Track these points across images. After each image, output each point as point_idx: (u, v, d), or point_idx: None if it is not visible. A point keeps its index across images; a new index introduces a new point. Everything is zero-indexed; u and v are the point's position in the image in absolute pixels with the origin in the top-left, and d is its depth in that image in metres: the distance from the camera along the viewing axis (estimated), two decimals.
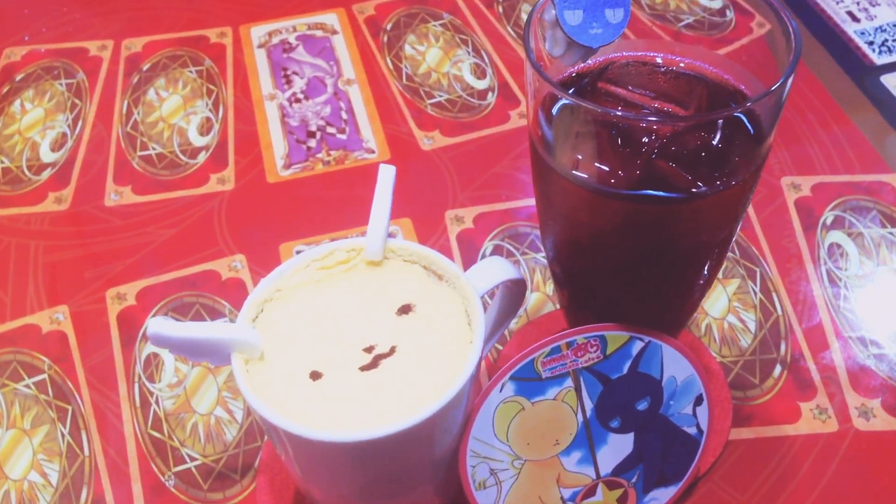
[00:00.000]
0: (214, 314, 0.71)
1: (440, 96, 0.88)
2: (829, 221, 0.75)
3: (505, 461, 0.52)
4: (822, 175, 0.79)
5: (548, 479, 0.54)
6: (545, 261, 0.73)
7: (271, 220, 0.78)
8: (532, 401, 0.52)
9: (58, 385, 0.67)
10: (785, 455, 0.61)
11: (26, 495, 0.61)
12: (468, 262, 0.73)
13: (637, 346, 0.52)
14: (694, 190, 0.44)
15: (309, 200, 0.79)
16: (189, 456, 0.63)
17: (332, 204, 0.78)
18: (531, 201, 0.77)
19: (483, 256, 0.73)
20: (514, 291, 0.57)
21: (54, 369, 0.68)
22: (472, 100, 0.88)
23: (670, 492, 0.56)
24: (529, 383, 0.51)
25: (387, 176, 0.54)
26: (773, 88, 0.40)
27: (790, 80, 0.42)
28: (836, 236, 0.74)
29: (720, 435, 0.61)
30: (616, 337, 0.51)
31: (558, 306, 0.70)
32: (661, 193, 0.44)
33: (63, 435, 0.64)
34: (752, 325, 0.68)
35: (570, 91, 0.49)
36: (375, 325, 0.51)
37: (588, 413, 0.53)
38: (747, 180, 0.45)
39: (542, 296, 0.71)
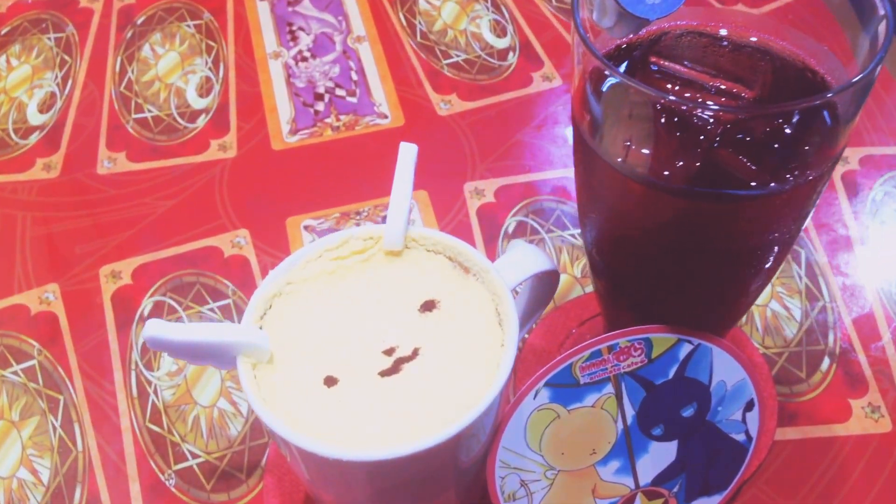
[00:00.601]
0: (216, 295, 0.66)
1: (457, 56, 0.82)
2: (878, 198, 0.70)
3: (537, 472, 0.48)
4: (871, 147, 0.73)
5: (583, 489, 0.50)
6: (573, 239, 0.68)
7: (277, 191, 0.73)
8: (568, 408, 0.47)
9: (48, 372, 0.63)
10: (835, 458, 0.56)
11: (16, 495, 0.57)
12: (489, 239, 0.68)
13: (685, 350, 0.47)
14: (761, 186, 0.39)
15: (317, 170, 0.74)
16: (190, 452, 0.59)
17: (342, 174, 0.73)
18: (557, 173, 0.72)
19: (505, 234, 0.69)
20: (547, 282, 0.52)
21: (44, 354, 0.64)
22: (491, 60, 0.82)
23: (714, 500, 0.52)
24: (566, 390, 0.47)
25: (408, 156, 0.49)
26: (868, 71, 0.35)
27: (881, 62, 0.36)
28: (887, 214, 0.69)
29: (766, 436, 0.57)
30: (662, 340, 0.47)
31: (587, 290, 0.65)
32: (723, 190, 0.39)
33: (55, 428, 0.60)
34: (797, 313, 0.63)
35: (621, 68, 0.43)
36: (396, 323, 0.47)
37: (629, 420, 0.48)
38: (824, 174, 0.39)
39: (569, 278, 0.66)
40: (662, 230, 0.43)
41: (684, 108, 0.39)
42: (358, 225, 0.69)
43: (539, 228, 0.69)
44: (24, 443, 0.59)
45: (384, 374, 0.45)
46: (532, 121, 0.76)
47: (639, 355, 0.47)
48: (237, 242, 0.69)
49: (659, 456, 0.50)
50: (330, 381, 0.45)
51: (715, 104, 0.40)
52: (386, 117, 0.77)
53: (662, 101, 0.39)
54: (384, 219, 0.66)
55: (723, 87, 0.42)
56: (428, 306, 0.47)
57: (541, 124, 0.76)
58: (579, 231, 0.69)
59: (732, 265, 0.44)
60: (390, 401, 0.44)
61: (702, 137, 0.39)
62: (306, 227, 0.70)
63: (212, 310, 0.65)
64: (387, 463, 0.42)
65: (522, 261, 0.50)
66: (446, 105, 0.78)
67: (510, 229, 0.69)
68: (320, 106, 0.79)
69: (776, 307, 0.64)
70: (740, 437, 0.51)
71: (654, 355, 0.47)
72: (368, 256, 0.49)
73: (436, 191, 0.71)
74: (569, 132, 0.76)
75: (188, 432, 0.59)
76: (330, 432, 0.43)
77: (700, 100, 0.41)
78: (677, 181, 0.40)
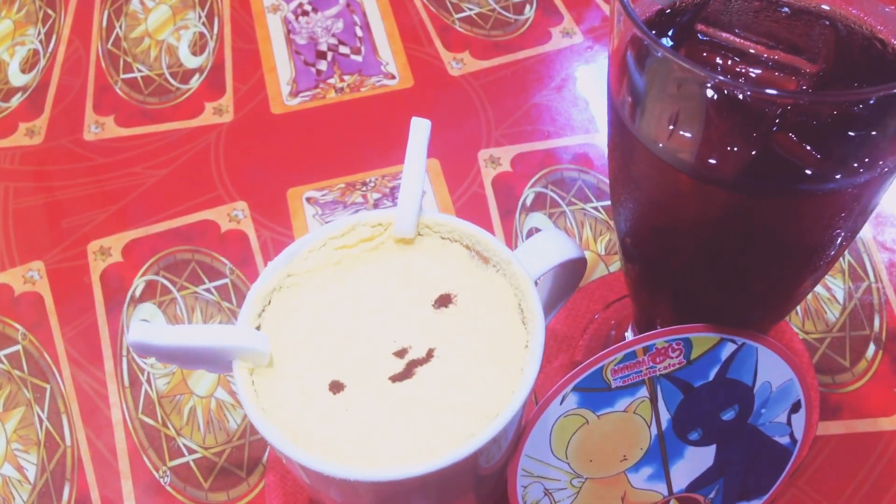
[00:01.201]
0: (213, 274, 0.62)
1: (469, 9, 0.77)
2: None
3: (562, 480, 0.45)
4: None
5: (611, 497, 0.46)
6: (596, 213, 0.64)
7: (277, 159, 0.68)
8: (598, 413, 0.43)
9: (34, 359, 0.59)
10: (882, 454, 0.53)
11: (0, 493, 0.53)
12: (506, 213, 0.64)
13: (728, 350, 0.43)
14: (827, 178, 0.34)
15: (320, 136, 0.69)
16: (187, 447, 0.55)
17: (346, 140, 0.69)
18: (579, 139, 0.68)
19: (523, 206, 0.64)
20: (572, 271, 0.48)
21: (29, 339, 0.60)
22: (506, 14, 0.77)
23: None
24: (596, 394, 0.43)
25: (420, 133, 0.45)
26: None
27: None
28: None
29: (807, 430, 0.52)
30: (704, 339, 0.43)
31: (611, 269, 0.61)
32: (782, 183, 0.34)
33: (41, 420, 0.56)
34: (839, 295, 0.59)
35: (665, 39, 0.38)
36: (408, 321, 0.42)
37: (664, 425, 0.44)
38: None
39: (592, 256, 0.62)
40: (710, 224, 0.38)
41: (739, 89, 0.34)
42: (364, 197, 0.65)
43: (559, 200, 0.64)
44: (9, 436, 0.56)
45: (395, 378, 0.41)
46: (551, 81, 0.71)
47: (677, 356, 0.43)
48: (235, 216, 0.65)
49: (695, 461, 0.46)
50: (336, 387, 0.41)
51: (778, 89, 0.35)
52: (393, 78, 0.72)
53: (714, 81, 0.34)
54: (393, 191, 0.62)
55: (781, 60, 0.37)
56: (443, 301, 0.43)
57: (560, 85, 0.71)
58: (603, 204, 0.64)
59: (787, 262, 0.39)
60: (402, 410, 0.40)
61: (758, 121, 0.34)
62: (309, 200, 0.65)
63: (208, 290, 0.61)
64: (399, 483, 0.38)
65: (546, 249, 0.45)
66: (458, 64, 0.73)
67: (528, 202, 0.64)
68: (322, 65, 0.73)
69: (817, 288, 0.59)
70: (784, 440, 0.47)
71: (693, 356, 0.43)
72: (377, 245, 0.45)
73: (448, 160, 0.66)
74: (590, 93, 0.70)
75: (184, 425, 0.56)
76: (336, 447, 0.39)
77: (756, 77, 0.36)
78: (729, 171, 0.35)
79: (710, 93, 0.35)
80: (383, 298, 0.43)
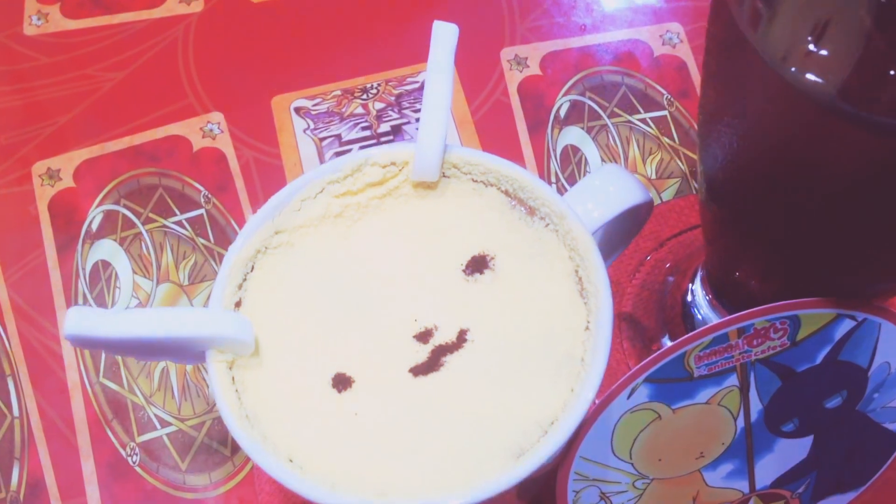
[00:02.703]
0: (185, 203, 0.52)
1: None
2: None
3: (623, 482, 0.36)
4: None
5: (681, 498, 0.38)
6: (644, 126, 0.54)
7: (259, 59, 0.57)
8: (674, 407, 0.35)
9: None
10: None
11: None
12: (535, 126, 0.54)
13: (844, 328, 0.34)
14: None
15: (312, 30, 0.58)
16: (159, 419, 0.47)
17: (344, 35, 0.58)
18: (622, 33, 0.57)
19: (556, 118, 0.54)
20: (634, 218, 0.38)
21: None
22: None
23: (846, 499, 0.41)
24: (673, 385, 0.34)
25: (445, 42, 0.34)
26: None
27: None
28: None
29: None
30: (816, 317, 0.34)
31: (663, 196, 0.51)
32: None
33: None
34: None
35: None
36: (432, 293, 0.33)
37: (753, 417, 0.36)
38: None
39: (641, 181, 0.52)
40: (843, 168, 0.29)
41: None
42: (365, 108, 0.54)
43: (599, 111, 0.54)
44: None
45: (418, 371, 0.32)
46: None
47: (780, 338, 0.34)
48: (209, 130, 0.54)
49: (786, 454, 0.38)
50: (341, 383, 0.32)
51: None
52: None
53: None
54: (400, 100, 0.51)
55: None
56: (477, 265, 0.34)
57: None
58: (653, 115, 0.54)
59: None
60: (427, 414, 0.31)
61: None
62: (298, 110, 0.55)
63: (180, 223, 0.52)
64: None
65: (608, 193, 0.36)
66: None
67: (562, 112, 0.54)
68: None
69: None
70: (894, 427, 0.38)
71: (800, 337, 0.34)
72: (390, 190, 0.35)
73: (465, 61, 0.55)
74: None
75: (155, 391, 0.47)
76: (343, 468, 0.30)
77: None
78: (883, 107, 0.25)
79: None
80: (399, 262, 0.34)
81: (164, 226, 0.52)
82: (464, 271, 0.34)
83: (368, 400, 0.32)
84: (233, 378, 0.32)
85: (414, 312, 0.33)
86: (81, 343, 0.29)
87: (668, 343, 0.44)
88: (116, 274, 0.51)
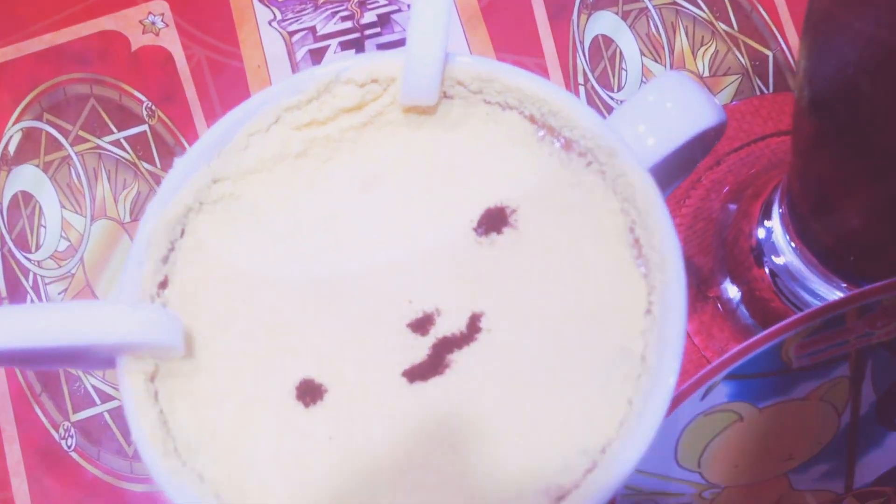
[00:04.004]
0: (124, 117, 0.43)
1: None
2: None
3: (687, 494, 0.29)
4: None
5: None
6: (696, 10, 0.43)
7: None
8: (761, 406, 0.27)
9: None
10: None
11: None
12: (557, 10, 0.44)
13: None
14: None
15: None
16: (99, 392, 0.39)
17: None
18: None
19: (583, 2, 0.44)
20: (701, 144, 0.29)
21: None
22: None
23: None
24: (763, 380, 0.26)
25: None
26: None
27: None
28: None
29: None
30: None
31: (718, 95, 0.42)
32: None
33: None
34: None
35: None
36: (433, 262, 0.25)
37: (863, 410, 0.28)
38: None
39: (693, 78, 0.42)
40: None
41: None
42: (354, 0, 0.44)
43: None
44: None
45: (415, 374, 0.24)
46: None
47: None
48: (151, 24, 0.45)
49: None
50: (309, 393, 0.24)
51: None
52: None
53: None
54: None
55: None
56: (493, 222, 0.25)
57: None
58: None
59: None
60: (427, 438, 0.23)
61: None
62: (266, 6, 0.45)
63: (117, 143, 0.43)
64: None
65: (666, 114, 0.26)
66: None
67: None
68: None
69: None
70: None
71: None
72: (371, 118, 0.26)
73: None
74: None
75: None
76: None
77: None
78: None
79: None
80: (386, 220, 0.25)
81: (99, 147, 0.43)
82: (475, 230, 0.25)
83: (346, 417, 0.23)
84: (155, 394, 0.23)
85: (407, 291, 0.24)
86: None
87: (729, 288, 0.36)
88: (41, 208, 0.42)
